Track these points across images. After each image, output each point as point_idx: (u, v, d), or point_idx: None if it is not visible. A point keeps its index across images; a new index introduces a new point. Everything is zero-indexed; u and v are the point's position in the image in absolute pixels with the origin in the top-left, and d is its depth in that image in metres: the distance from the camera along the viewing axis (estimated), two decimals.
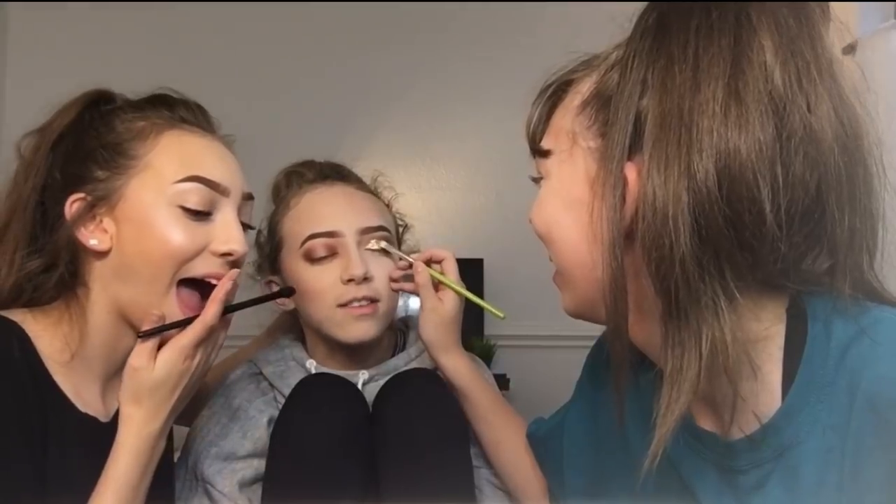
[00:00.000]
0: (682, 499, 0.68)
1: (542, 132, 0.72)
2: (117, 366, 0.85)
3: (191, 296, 0.83)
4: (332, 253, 1.03)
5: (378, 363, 1.08)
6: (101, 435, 0.81)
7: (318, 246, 1.03)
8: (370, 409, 0.99)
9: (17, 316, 0.79)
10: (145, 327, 0.80)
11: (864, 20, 2.52)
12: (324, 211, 1.05)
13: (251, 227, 0.91)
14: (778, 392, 0.59)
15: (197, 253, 0.82)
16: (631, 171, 0.59)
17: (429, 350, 1.00)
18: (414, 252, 1.13)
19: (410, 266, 1.02)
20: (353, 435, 0.92)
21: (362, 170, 1.17)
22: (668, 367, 0.57)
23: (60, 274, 0.81)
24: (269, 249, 1.11)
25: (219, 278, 0.83)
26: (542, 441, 0.94)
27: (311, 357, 1.08)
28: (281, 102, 2.37)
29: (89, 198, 0.81)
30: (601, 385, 0.84)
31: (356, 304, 1.01)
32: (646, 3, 0.62)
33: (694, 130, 0.55)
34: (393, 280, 1.04)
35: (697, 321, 0.56)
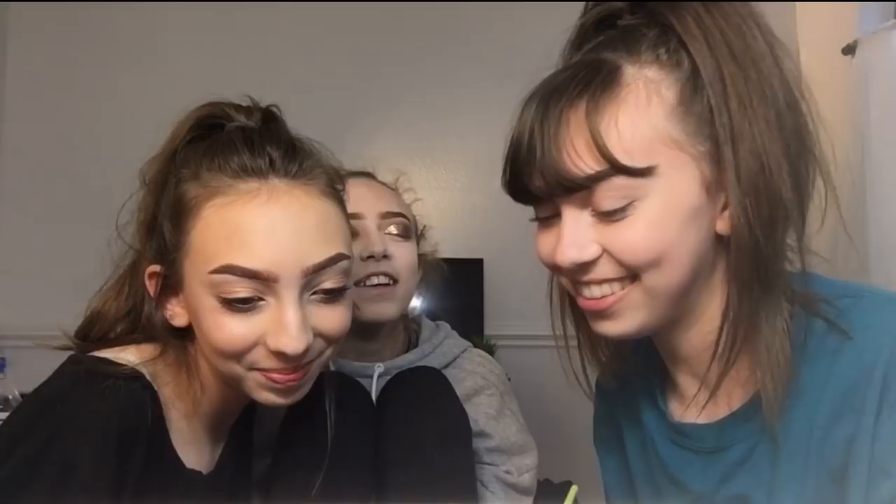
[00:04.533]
0: (675, 492, 0.71)
1: (577, 153, 0.61)
2: (225, 420, 0.82)
3: (275, 375, 0.72)
4: (354, 234, 1.05)
5: (393, 357, 1.09)
6: (201, 489, 0.78)
7: None
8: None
9: (147, 355, 0.73)
10: None
11: (864, 20, 2.52)
12: (346, 195, 1.08)
13: (338, 290, 0.74)
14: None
15: (250, 345, 0.70)
16: None
17: None
18: (434, 253, 1.15)
19: None
20: (359, 434, 0.93)
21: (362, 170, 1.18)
22: (761, 351, 0.61)
23: (158, 334, 0.75)
24: None
25: (284, 374, 0.72)
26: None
27: None
28: (281, 103, 2.37)
29: (162, 271, 0.73)
30: (613, 411, 0.84)
31: (374, 280, 1.02)
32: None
33: (770, 105, 0.61)
34: None
35: (784, 280, 0.62)
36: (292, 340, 0.69)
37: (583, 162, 0.60)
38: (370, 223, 1.06)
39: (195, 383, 0.75)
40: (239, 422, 0.86)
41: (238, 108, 0.78)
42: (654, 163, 0.60)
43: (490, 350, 2.13)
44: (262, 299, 0.70)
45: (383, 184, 1.15)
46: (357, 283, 1.03)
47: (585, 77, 0.63)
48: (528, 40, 2.47)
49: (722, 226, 0.63)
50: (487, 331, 2.20)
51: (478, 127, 2.47)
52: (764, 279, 0.61)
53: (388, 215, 1.08)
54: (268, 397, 0.73)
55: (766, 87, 0.60)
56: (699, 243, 0.62)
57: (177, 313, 0.75)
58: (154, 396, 0.71)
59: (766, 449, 0.63)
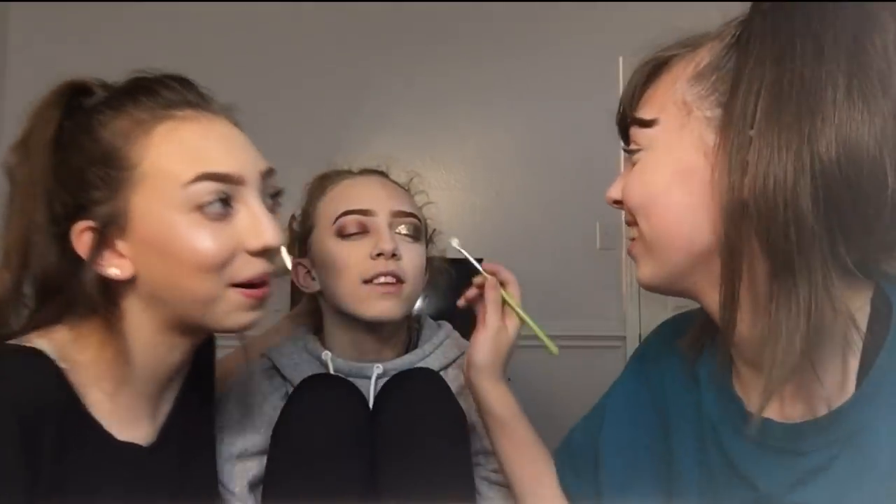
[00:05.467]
0: (736, 487, 0.68)
1: (637, 104, 0.70)
2: (167, 380, 0.80)
3: (251, 290, 0.75)
4: (364, 230, 1.05)
5: (395, 356, 1.09)
6: (142, 462, 0.77)
7: (351, 222, 1.05)
8: (370, 407, 0.99)
9: (58, 341, 0.71)
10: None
11: None
12: (359, 191, 1.08)
13: (280, 193, 0.81)
14: (853, 377, 0.61)
15: (231, 255, 0.73)
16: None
17: (474, 374, 0.92)
18: (442, 257, 1.15)
19: (478, 275, 0.98)
20: (353, 435, 0.93)
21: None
22: (771, 332, 0.58)
23: (89, 298, 0.72)
24: (301, 232, 1.13)
25: (266, 280, 0.75)
26: (576, 451, 0.90)
27: (328, 348, 1.08)
28: (281, 102, 2.37)
29: (95, 224, 0.72)
30: (649, 377, 0.83)
31: (381, 279, 1.02)
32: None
33: (816, 105, 0.56)
34: (467, 298, 0.98)
35: (806, 284, 0.57)
36: (272, 233, 0.74)
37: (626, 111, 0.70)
38: (381, 221, 1.05)
39: (122, 350, 0.74)
40: (188, 390, 0.85)
41: (95, 80, 0.81)
42: (656, 116, 0.67)
43: None
44: (232, 206, 0.74)
45: (396, 183, 1.15)
46: (364, 282, 1.03)
47: (674, 48, 0.70)
48: (528, 42, 2.48)
49: None
50: None
51: (478, 127, 2.47)
52: (776, 261, 0.58)
53: (399, 214, 1.07)
54: (238, 319, 0.75)
55: (824, 80, 0.56)
56: (691, 206, 0.64)
57: (118, 264, 0.73)
58: (60, 374, 0.69)
59: (848, 461, 0.59)
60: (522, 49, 2.44)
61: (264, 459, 0.96)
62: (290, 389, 1.01)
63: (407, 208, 1.08)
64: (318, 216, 1.09)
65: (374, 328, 1.06)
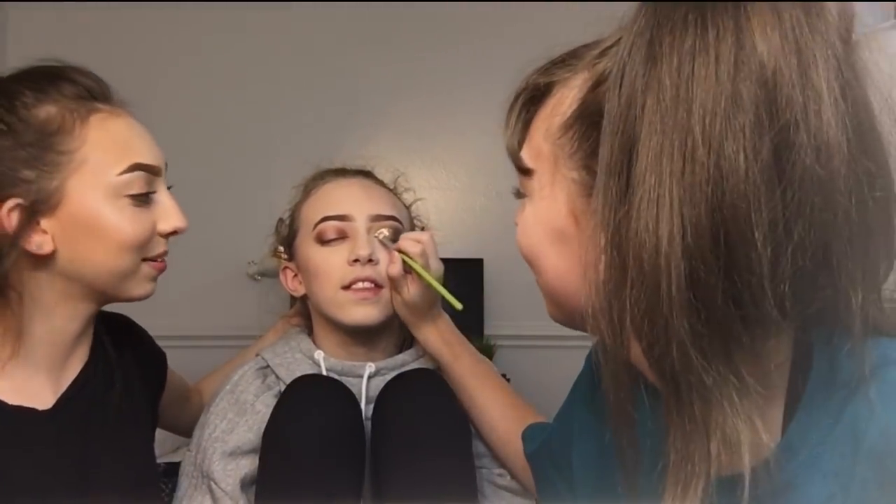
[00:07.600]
0: None
1: (521, 143, 0.62)
2: (66, 350, 0.84)
3: (158, 263, 0.87)
4: (343, 236, 1.05)
5: (386, 357, 1.09)
6: (38, 425, 0.80)
7: (329, 228, 1.05)
8: (363, 408, 0.99)
9: None
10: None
11: (863, 20, 2.51)
12: (338, 196, 1.09)
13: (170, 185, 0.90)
14: (778, 429, 0.54)
15: (151, 237, 0.84)
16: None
17: (409, 330, 1.08)
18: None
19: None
20: (344, 436, 0.93)
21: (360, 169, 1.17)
22: (671, 466, 0.51)
23: (4, 273, 0.78)
24: (287, 236, 1.13)
25: (163, 262, 0.87)
26: (556, 452, 0.88)
27: (319, 348, 1.08)
28: (280, 101, 2.37)
29: (25, 202, 0.77)
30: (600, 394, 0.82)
31: (359, 284, 1.03)
32: (637, 10, 0.52)
33: (686, 169, 0.45)
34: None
35: (704, 412, 0.48)
36: (180, 218, 0.86)
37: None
38: (360, 226, 1.05)
39: (16, 326, 0.79)
40: (98, 360, 0.89)
41: None
42: (533, 167, 0.60)
43: (490, 350, 2.13)
44: (152, 196, 0.84)
45: (380, 184, 1.15)
46: (343, 288, 1.03)
47: (557, 69, 0.62)
48: (528, 40, 2.47)
49: None
50: (487, 331, 2.19)
51: (478, 127, 2.46)
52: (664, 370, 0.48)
53: (378, 218, 1.07)
54: (144, 287, 0.86)
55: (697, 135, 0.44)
56: (569, 271, 0.58)
57: (39, 240, 0.78)
58: None
59: None
60: (523, 48, 2.43)
61: (256, 458, 0.96)
62: (283, 388, 1.02)
63: (386, 211, 1.08)
64: (301, 221, 1.10)
65: (359, 332, 1.06)
